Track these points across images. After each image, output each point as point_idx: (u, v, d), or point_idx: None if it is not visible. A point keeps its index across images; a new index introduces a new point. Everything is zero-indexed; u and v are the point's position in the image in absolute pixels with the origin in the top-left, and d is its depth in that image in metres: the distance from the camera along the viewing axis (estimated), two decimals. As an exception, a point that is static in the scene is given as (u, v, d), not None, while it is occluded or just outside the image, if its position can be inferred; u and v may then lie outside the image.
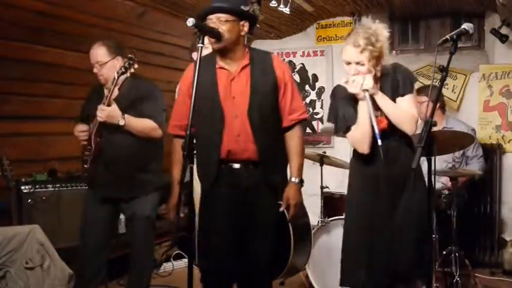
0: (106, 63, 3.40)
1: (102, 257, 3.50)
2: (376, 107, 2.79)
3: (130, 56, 3.21)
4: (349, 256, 2.93)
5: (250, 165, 2.75)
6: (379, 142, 2.66)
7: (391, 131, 2.80)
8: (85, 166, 3.44)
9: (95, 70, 3.43)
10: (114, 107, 3.24)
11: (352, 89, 2.77)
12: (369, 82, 2.73)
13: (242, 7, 2.75)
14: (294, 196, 2.84)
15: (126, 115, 3.27)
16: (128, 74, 3.21)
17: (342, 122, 2.91)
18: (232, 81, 2.72)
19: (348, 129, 2.90)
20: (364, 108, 2.78)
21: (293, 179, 2.86)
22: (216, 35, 2.65)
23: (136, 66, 3.20)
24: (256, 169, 2.76)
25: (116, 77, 3.20)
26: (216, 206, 2.76)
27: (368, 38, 2.75)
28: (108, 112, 3.22)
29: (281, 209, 2.85)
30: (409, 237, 2.78)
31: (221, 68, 2.75)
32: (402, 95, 2.82)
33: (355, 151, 2.97)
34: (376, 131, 2.68)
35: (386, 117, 2.80)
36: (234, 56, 2.76)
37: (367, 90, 2.73)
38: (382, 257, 2.79)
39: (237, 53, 2.76)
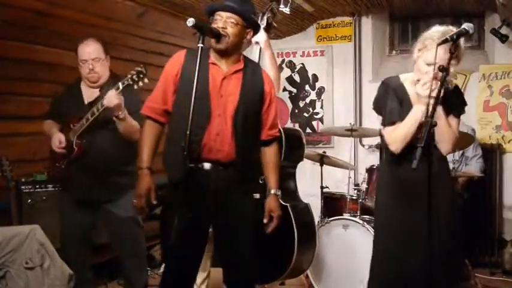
0: (102, 61, 3.36)
1: (83, 261, 3.48)
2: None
3: (140, 69, 3.09)
4: (378, 266, 2.89)
5: (220, 166, 2.71)
6: (419, 149, 2.44)
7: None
8: (57, 165, 3.39)
9: (86, 67, 3.33)
10: (123, 98, 3.16)
11: (421, 91, 2.66)
12: (437, 91, 2.54)
13: (252, 16, 2.78)
14: (276, 208, 2.86)
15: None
16: (135, 87, 3.12)
17: (389, 115, 2.83)
18: (223, 80, 2.71)
19: (392, 124, 2.82)
20: (419, 113, 2.67)
21: (273, 191, 2.89)
22: (216, 35, 2.64)
23: (146, 81, 3.10)
24: (226, 170, 2.72)
25: (121, 87, 3.11)
26: (180, 206, 2.60)
27: (460, 47, 2.61)
28: (120, 100, 3.13)
29: (264, 221, 2.86)
30: (443, 247, 2.71)
31: (213, 63, 2.74)
32: (456, 116, 2.77)
33: (387, 155, 2.91)
34: (425, 136, 2.45)
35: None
36: (230, 59, 2.75)
37: (433, 97, 2.54)
38: (414, 270, 2.72)
39: (234, 56, 2.76)
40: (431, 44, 2.64)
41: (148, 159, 2.74)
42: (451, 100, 2.74)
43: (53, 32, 3.92)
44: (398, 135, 2.77)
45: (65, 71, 4.02)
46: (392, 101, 2.83)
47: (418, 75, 2.72)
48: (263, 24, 3.87)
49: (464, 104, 2.84)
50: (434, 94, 2.52)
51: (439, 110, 2.64)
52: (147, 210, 2.69)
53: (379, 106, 2.92)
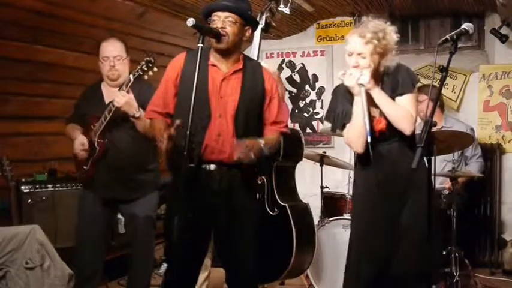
0: (124, 59, 3.40)
1: (99, 259, 3.49)
2: (373, 105, 2.76)
3: (149, 59, 3.13)
4: (351, 264, 2.93)
5: (224, 166, 2.71)
6: (369, 139, 2.63)
7: (390, 133, 2.78)
8: (84, 168, 3.43)
9: (108, 64, 3.36)
10: (133, 96, 3.19)
11: (347, 81, 2.74)
12: (365, 77, 2.70)
13: (249, 13, 2.78)
14: (255, 146, 2.62)
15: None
16: (146, 77, 3.15)
17: (339, 119, 2.90)
18: (223, 81, 2.72)
19: (343, 126, 2.89)
20: (358, 105, 2.74)
21: (260, 140, 2.71)
22: (215, 35, 2.65)
23: (155, 69, 3.13)
24: (230, 170, 2.72)
25: (132, 79, 3.15)
26: (182, 206, 2.57)
27: (375, 32, 2.74)
28: (128, 98, 3.16)
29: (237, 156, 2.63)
30: (413, 242, 2.74)
31: (213, 65, 2.74)
32: (401, 94, 2.79)
33: (355, 158, 2.96)
34: (367, 127, 2.64)
35: (385, 118, 2.78)
36: (230, 58, 2.75)
37: (362, 84, 2.69)
38: (385, 264, 2.77)
39: (234, 55, 2.76)
40: (350, 37, 2.81)
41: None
42: (392, 83, 2.80)
43: (53, 32, 3.92)
44: (351, 134, 2.83)
45: (66, 71, 4.03)
46: (342, 105, 2.89)
47: (344, 69, 2.81)
48: (262, 24, 3.87)
49: (411, 81, 2.82)
50: (362, 81, 2.67)
51: (377, 93, 2.73)
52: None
53: (328, 114, 2.97)
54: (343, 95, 2.89)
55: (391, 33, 2.81)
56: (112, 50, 3.38)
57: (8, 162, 3.60)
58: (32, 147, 4.04)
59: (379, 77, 2.83)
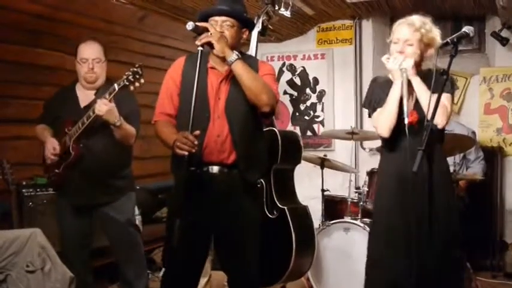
0: (102, 62, 3.37)
1: (84, 265, 3.48)
2: (408, 97, 2.73)
3: (136, 70, 3.06)
4: (373, 266, 2.87)
5: (225, 168, 2.70)
6: (406, 120, 2.60)
7: (419, 130, 2.70)
8: (56, 171, 3.37)
9: (86, 66, 3.31)
10: (114, 105, 3.15)
11: (390, 64, 2.75)
12: (409, 62, 2.71)
13: (245, 15, 2.78)
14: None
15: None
16: (132, 88, 3.08)
17: (374, 104, 2.89)
18: (221, 83, 2.72)
19: (374, 110, 2.89)
20: (396, 89, 2.74)
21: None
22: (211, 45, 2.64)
23: (142, 81, 3.07)
24: (231, 172, 2.71)
25: (117, 89, 3.08)
26: (183, 209, 2.58)
27: (424, 22, 2.80)
28: (110, 107, 3.11)
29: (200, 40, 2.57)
30: (440, 250, 2.70)
31: (212, 68, 2.74)
32: (441, 92, 2.76)
33: (381, 155, 2.94)
34: (405, 109, 2.62)
35: (418, 114, 2.75)
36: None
37: (405, 69, 2.70)
38: (409, 271, 2.67)
39: None
40: (398, 25, 2.84)
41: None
42: (433, 80, 2.72)
43: (54, 36, 3.93)
44: (382, 117, 2.82)
45: (66, 74, 4.01)
46: (377, 93, 2.89)
47: (387, 54, 2.82)
48: (258, 27, 3.87)
49: (452, 83, 2.84)
50: (405, 65, 2.69)
51: (417, 82, 2.73)
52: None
53: (366, 101, 2.98)
54: (380, 85, 2.90)
55: (436, 30, 2.84)
56: (92, 53, 3.33)
57: (9, 166, 3.60)
58: (33, 150, 4.03)
59: (421, 74, 2.80)
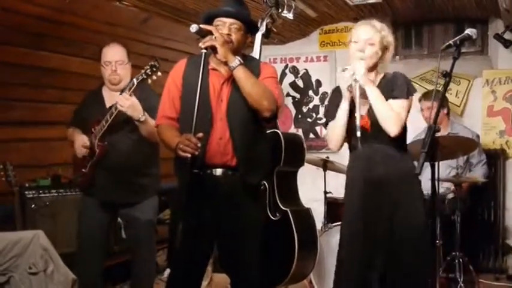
0: (125, 64, 3.41)
1: (100, 264, 3.49)
2: (362, 102, 2.75)
3: (153, 63, 3.13)
4: (340, 266, 2.90)
5: (229, 171, 2.70)
6: (358, 134, 2.65)
7: (373, 133, 2.77)
8: (83, 170, 3.41)
9: (109, 68, 3.36)
10: (136, 99, 3.17)
11: (341, 83, 2.80)
12: (360, 70, 2.72)
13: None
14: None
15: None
16: (149, 81, 3.15)
17: (325, 116, 2.98)
18: (223, 85, 2.71)
19: (326, 124, 2.95)
20: (343, 106, 2.79)
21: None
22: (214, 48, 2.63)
23: (159, 74, 3.13)
24: (234, 175, 2.71)
25: (136, 83, 3.14)
26: (186, 211, 2.61)
27: (383, 26, 2.87)
28: (132, 102, 3.15)
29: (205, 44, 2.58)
30: (403, 251, 2.72)
31: (214, 69, 2.74)
32: (395, 98, 2.79)
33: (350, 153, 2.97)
34: (358, 122, 2.66)
35: (370, 118, 2.77)
36: None
37: (356, 80, 2.72)
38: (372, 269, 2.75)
39: None
40: (359, 26, 2.92)
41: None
42: (387, 87, 2.81)
43: (58, 38, 3.94)
44: (330, 131, 2.91)
45: (70, 77, 4.04)
46: (332, 106, 2.93)
47: (342, 67, 2.85)
48: (262, 30, 3.88)
49: (407, 87, 2.82)
50: (357, 76, 2.70)
51: (371, 89, 2.74)
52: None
53: (324, 111, 3.08)
54: (337, 96, 2.92)
55: (391, 34, 2.90)
56: (114, 55, 3.38)
57: (12, 168, 3.62)
58: (36, 152, 4.05)
59: (377, 80, 2.85)
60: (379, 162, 2.77)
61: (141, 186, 3.44)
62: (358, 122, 2.67)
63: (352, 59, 2.83)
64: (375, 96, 2.74)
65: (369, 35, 2.81)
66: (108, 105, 3.40)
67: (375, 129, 2.76)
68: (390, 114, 2.73)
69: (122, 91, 3.30)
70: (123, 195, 3.40)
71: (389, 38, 2.86)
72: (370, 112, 2.77)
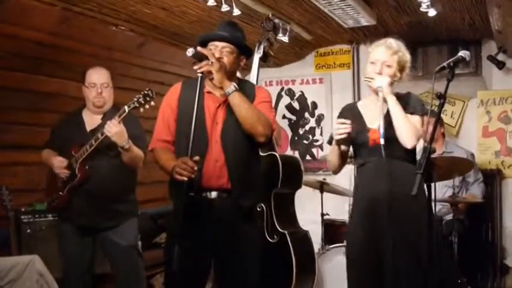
0: (110, 87, 3.41)
1: None
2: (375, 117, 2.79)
3: (146, 92, 3.11)
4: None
5: (224, 193, 2.69)
6: (382, 141, 2.65)
7: (386, 148, 2.72)
8: (60, 193, 3.37)
9: (95, 90, 3.35)
10: (123, 127, 3.17)
11: (370, 83, 2.84)
12: (385, 80, 2.78)
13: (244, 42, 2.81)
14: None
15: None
16: (141, 110, 3.12)
17: (330, 139, 2.96)
18: (218, 108, 2.73)
19: (329, 144, 2.96)
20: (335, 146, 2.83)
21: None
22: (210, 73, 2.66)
23: (153, 103, 3.11)
24: (229, 198, 2.70)
25: (127, 110, 3.12)
26: (182, 235, 2.58)
27: (399, 46, 2.88)
28: (119, 128, 3.13)
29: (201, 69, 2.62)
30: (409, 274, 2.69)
31: (209, 92, 2.76)
32: (411, 113, 2.83)
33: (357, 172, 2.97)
34: (382, 130, 2.66)
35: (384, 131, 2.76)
36: None
37: (381, 87, 2.77)
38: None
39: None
40: (376, 47, 2.91)
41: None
42: (403, 104, 2.82)
43: (55, 62, 3.96)
44: (330, 154, 2.95)
45: (67, 100, 4.05)
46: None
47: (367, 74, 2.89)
48: (260, 53, 3.91)
49: (421, 105, 2.88)
50: (381, 84, 2.75)
51: (393, 101, 2.77)
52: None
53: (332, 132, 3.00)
54: (342, 114, 2.96)
55: (409, 55, 2.93)
56: (100, 77, 3.39)
57: (8, 192, 3.60)
58: (32, 176, 4.04)
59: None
60: (398, 177, 2.74)
61: (119, 213, 3.40)
62: (382, 130, 2.67)
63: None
64: (395, 105, 2.78)
65: (385, 57, 2.85)
66: (88, 128, 3.39)
67: (388, 144, 2.73)
68: (409, 126, 2.76)
69: (104, 115, 3.31)
70: (99, 220, 3.35)
71: (406, 57, 2.89)
72: (385, 125, 2.76)
